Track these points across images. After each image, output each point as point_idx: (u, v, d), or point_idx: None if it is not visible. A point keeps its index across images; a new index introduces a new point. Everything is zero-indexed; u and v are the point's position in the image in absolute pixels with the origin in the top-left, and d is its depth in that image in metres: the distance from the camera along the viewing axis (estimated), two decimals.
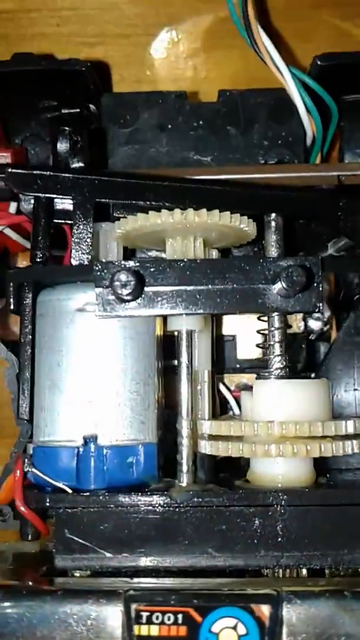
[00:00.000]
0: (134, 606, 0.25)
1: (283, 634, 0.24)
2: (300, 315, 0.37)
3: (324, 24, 0.44)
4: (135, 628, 0.24)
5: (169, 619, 0.24)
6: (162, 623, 0.24)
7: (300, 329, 0.37)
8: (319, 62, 0.36)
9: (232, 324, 0.36)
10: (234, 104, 0.38)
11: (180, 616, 0.24)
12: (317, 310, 0.28)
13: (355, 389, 0.34)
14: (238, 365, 0.37)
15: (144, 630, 0.24)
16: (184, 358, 0.30)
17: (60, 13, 0.45)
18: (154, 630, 0.24)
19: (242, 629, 0.24)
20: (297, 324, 0.37)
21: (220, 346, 0.36)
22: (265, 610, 0.25)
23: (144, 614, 0.24)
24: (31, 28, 0.46)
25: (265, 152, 0.38)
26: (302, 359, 0.37)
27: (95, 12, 0.45)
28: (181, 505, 0.28)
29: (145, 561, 0.28)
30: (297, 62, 0.41)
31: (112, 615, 0.25)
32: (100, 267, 0.28)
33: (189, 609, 0.25)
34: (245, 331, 0.36)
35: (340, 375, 0.34)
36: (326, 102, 0.37)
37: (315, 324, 0.38)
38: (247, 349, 0.36)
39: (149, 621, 0.24)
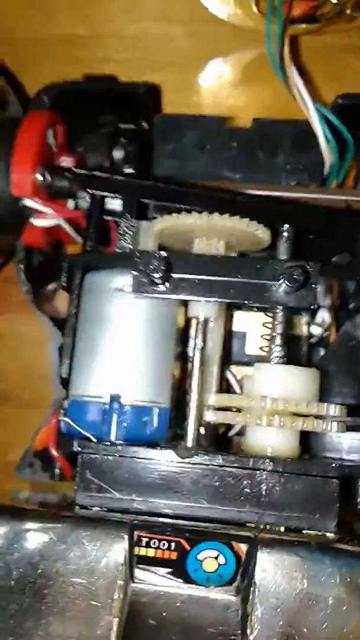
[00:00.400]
0: (136, 532, 0.29)
1: (256, 569, 0.28)
2: (304, 320, 0.41)
3: (351, 66, 0.48)
4: (136, 549, 0.29)
5: (163, 545, 0.29)
6: (158, 548, 0.29)
7: (303, 333, 0.41)
8: (339, 101, 0.40)
9: (243, 322, 0.41)
10: (264, 131, 0.42)
11: (173, 544, 0.29)
12: (312, 307, 0.32)
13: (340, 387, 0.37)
14: (246, 359, 0.40)
15: (142, 551, 0.29)
16: (199, 340, 0.34)
17: (125, 41, 0.50)
18: (151, 553, 0.28)
19: (222, 559, 0.28)
20: (301, 328, 0.41)
21: (231, 340, 0.40)
22: (243, 547, 0.29)
23: (144, 539, 0.29)
24: (100, 52, 0.51)
25: (287, 175, 0.42)
26: (304, 359, 0.41)
27: (155, 43, 0.50)
28: (183, 461, 0.32)
29: (149, 504, 0.32)
30: (324, 98, 0.45)
31: (118, 538, 0.29)
32: (138, 254, 0.33)
33: (180, 539, 0.29)
34: (254, 329, 0.41)
35: (332, 374, 0.38)
36: (344, 136, 0.41)
37: (316, 329, 0.41)
38: (254, 345, 0.40)
39: (148, 545, 0.29)
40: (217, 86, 0.48)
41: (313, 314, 0.41)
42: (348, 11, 0.43)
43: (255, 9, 0.43)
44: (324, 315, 0.41)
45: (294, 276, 0.31)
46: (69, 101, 0.42)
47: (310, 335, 0.41)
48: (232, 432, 0.38)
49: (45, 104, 0.42)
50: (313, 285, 0.32)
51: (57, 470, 0.34)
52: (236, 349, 0.40)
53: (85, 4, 0.51)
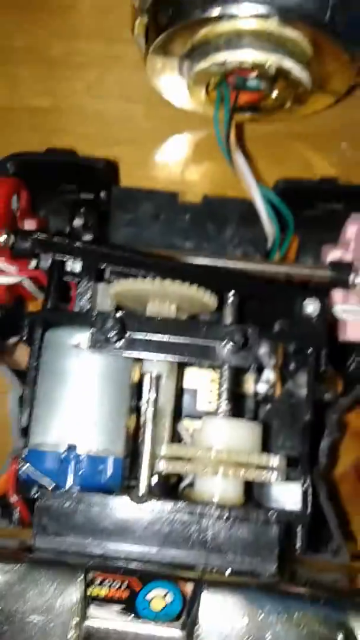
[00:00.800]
0: (90, 574, 0.32)
1: (200, 606, 0.32)
2: (251, 379, 0.46)
3: (294, 150, 0.55)
4: (90, 589, 0.32)
5: (116, 584, 0.32)
6: (111, 587, 0.32)
7: (251, 390, 0.46)
8: (280, 185, 0.47)
9: (195, 379, 0.45)
10: (213, 208, 0.48)
11: (125, 583, 0.32)
12: (251, 366, 0.37)
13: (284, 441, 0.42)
14: (197, 414, 0.44)
15: (96, 590, 0.32)
16: (152, 394, 0.38)
17: (86, 116, 0.56)
18: (104, 592, 0.32)
19: (169, 598, 0.31)
20: (247, 385, 0.46)
21: (182, 396, 0.44)
22: (189, 587, 0.32)
23: (98, 579, 0.32)
24: (61, 124, 0.56)
25: (234, 246, 0.48)
26: (251, 414, 0.45)
27: (116, 120, 0.56)
28: (135, 507, 0.36)
29: (103, 548, 0.35)
30: (270, 179, 0.51)
31: (73, 578, 0.32)
32: (95, 313, 0.37)
33: (132, 578, 0.32)
34: (205, 386, 0.45)
35: (276, 428, 0.42)
36: (284, 214, 0.47)
37: (262, 387, 0.46)
38: (205, 401, 0.45)
39: (101, 584, 0.32)
40: (171, 163, 0.54)
41: (259, 372, 0.46)
42: (287, 104, 0.50)
43: (203, 98, 0.50)
44: (269, 375, 0.46)
45: (235, 338, 0.36)
46: (32, 170, 0.46)
47: (257, 393, 0.46)
48: (184, 483, 0.42)
49: (9, 171, 0.46)
50: (251, 347, 0.37)
51: (15, 516, 0.37)
52: (188, 404, 0.44)
53: (49, 79, 0.57)
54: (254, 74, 0.47)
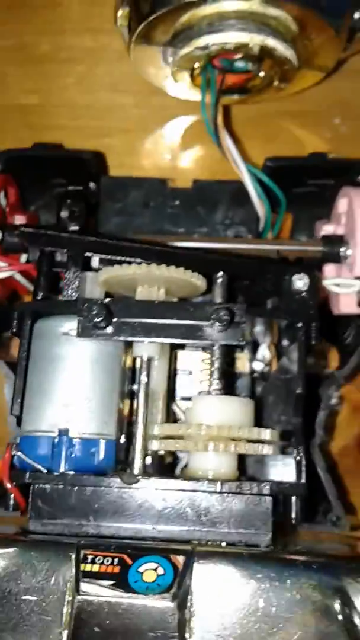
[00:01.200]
0: (82, 551, 0.34)
1: (192, 577, 0.33)
2: (247, 357, 0.48)
3: (283, 129, 0.57)
4: (82, 566, 0.34)
5: (107, 561, 0.34)
6: (102, 563, 0.34)
7: (245, 369, 0.48)
8: (269, 163, 0.48)
9: (188, 361, 0.47)
10: (203, 191, 0.50)
11: (116, 559, 0.34)
12: (240, 342, 0.38)
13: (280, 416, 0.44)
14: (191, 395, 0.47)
15: (88, 567, 0.34)
16: (143, 377, 0.40)
17: (76, 110, 0.59)
18: (96, 568, 0.33)
19: (160, 571, 0.33)
20: (243, 364, 0.48)
21: (176, 377, 0.46)
22: (180, 559, 0.34)
23: (90, 556, 0.34)
24: (53, 120, 0.59)
25: (225, 228, 0.49)
26: (248, 392, 0.47)
27: (105, 111, 0.58)
28: (129, 487, 0.37)
29: (98, 528, 0.37)
30: (261, 159, 0.52)
31: (66, 557, 0.34)
32: (81, 302, 0.39)
33: (123, 555, 0.34)
34: (198, 367, 0.47)
35: (271, 404, 0.44)
36: (276, 193, 0.49)
37: (257, 365, 0.48)
38: (199, 382, 0.46)
39: (92, 561, 0.34)
40: (160, 150, 0.56)
41: (254, 350, 0.47)
42: (275, 83, 0.51)
43: (189, 84, 0.51)
44: (264, 352, 0.47)
45: (222, 316, 0.38)
46: (20, 166, 0.49)
47: (253, 371, 0.47)
48: (182, 463, 0.43)
49: None
50: (239, 324, 0.38)
51: (11, 502, 0.39)
52: (183, 385, 0.46)
53: (38, 75, 0.59)
54: (238, 55, 0.48)
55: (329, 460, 0.47)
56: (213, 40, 0.46)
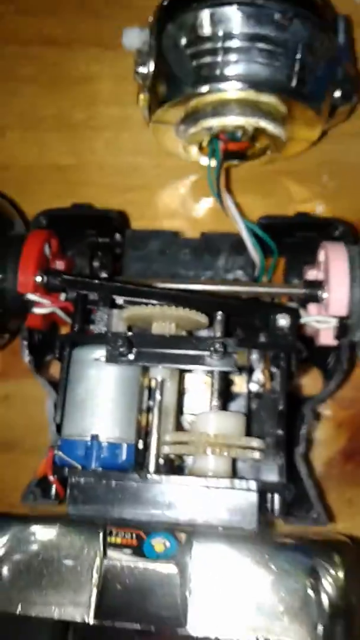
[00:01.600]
0: (108, 528, 0.45)
1: (192, 550, 0.44)
2: (245, 380, 0.58)
3: (280, 186, 0.68)
4: (108, 538, 0.44)
5: (127, 535, 0.44)
6: (124, 537, 0.44)
7: (243, 389, 0.58)
8: (262, 221, 0.59)
9: (194, 383, 0.58)
10: (209, 241, 0.60)
11: (134, 534, 0.44)
12: (232, 369, 0.49)
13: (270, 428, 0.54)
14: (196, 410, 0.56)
15: (113, 539, 0.44)
16: (157, 395, 0.51)
17: (104, 169, 0.69)
18: (118, 540, 0.44)
19: (168, 544, 0.44)
20: (241, 385, 0.58)
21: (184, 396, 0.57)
22: (183, 536, 0.44)
23: (114, 532, 0.45)
24: (84, 177, 0.69)
25: (226, 272, 0.60)
26: (245, 409, 0.57)
27: (128, 171, 0.69)
28: (144, 482, 0.48)
29: (120, 513, 0.47)
30: (259, 212, 0.62)
31: (96, 532, 0.45)
32: (109, 335, 0.50)
33: (139, 531, 0.45)
34: (201, 388, 0.57)
35: (263, 418, 0.54)
36: (269, 244, 0.59)
37: (253, 386, 0.58)
38: (202, 400, 0.56)
39: (116, 535, 0.44)
40: (174, 204, 0.67)
41: (250, 375, 0.58)
42: (269, 152, 0.62)
43: (197, 151, 0.63)
44: (258, 376, 0.58)
45: (217, 348, 0.49)
46: (60, 221, 0.60)
47: (250, 391, 0.58)
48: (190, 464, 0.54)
49: (42, 224, 0.60)
50: (230, 354, 0.49)
51: (53, 492, 0.50)
52: (190, 402, 0.57)
53: (72, 140, 0.71)
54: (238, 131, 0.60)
55: (310, 467, 0.57)
56: (216, 122, 0.57)
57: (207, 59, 0.55)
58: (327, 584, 0.44)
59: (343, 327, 0.54)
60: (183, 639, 0.42)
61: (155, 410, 0.51)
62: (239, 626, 0.42)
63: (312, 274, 0.58)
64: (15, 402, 0.64)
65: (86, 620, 0.43)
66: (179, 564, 0.43)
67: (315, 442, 0.63)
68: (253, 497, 0.47)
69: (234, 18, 0.55)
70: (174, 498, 0.47)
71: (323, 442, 0.63)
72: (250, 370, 0.58)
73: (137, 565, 0.43)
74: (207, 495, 0.47)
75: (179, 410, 0.55)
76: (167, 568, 0.43)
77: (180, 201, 0.67)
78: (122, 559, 0.44)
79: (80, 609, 0.44)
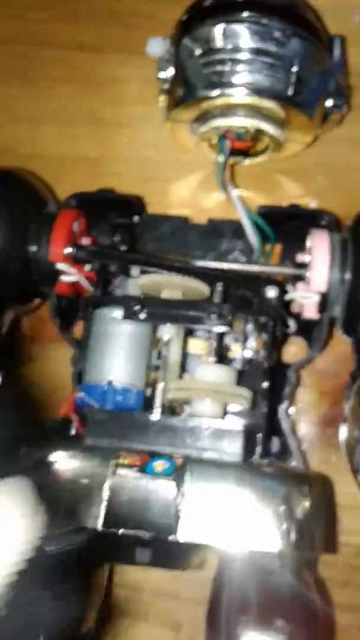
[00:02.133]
0: (119, 452, 0.55)
1: (186, 470, 0.54)
2: (239, 345, 0.68)
3: (278, 183, 0.78)
4: (117, 461, 0.54)
5: (134, 458, 0.54)
6: (131, 459, 0.54)
7: (237, 355, 0.68)
8: (261, 210, 0.69)
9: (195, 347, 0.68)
10: (215, 227, 0.70)
11: (139, 457, 0.54)
12: (227, 330, 0.59)
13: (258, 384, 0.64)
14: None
15: (121, 461, 0.54)
16: (164, 351, 0.61)
17: (127, 162, 0.78)
18: (126, 461, 0.54)
19: (167, 465, 0.54)
20: (236, 351, 0.68)
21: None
22: (180, 460, 0.54)
23: (123, 455, 0.55)
24: (109, 169, 0.79)
25: (228, 254, 0.70)
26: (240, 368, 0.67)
27: (147, 164, 0.79)
28: (152, 419, 0.58)
29: (129, 444, 0.57)
30: (260, 202, 0.73)
31: (108, 456, 0.55)
32: (126, 297, 0.61)
33: (144, 455, 0.55)
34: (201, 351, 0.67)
35: (253, 378, 0.64)
36: (266, 231, 0.69)
37: (247, 353, 0.68)
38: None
39: (125, 458, 0.54)
40: (185, 193, 0.77)
41: (245, 341, 0.68)
42: (269, 151, 0.72)
43: (208, 148, 0.73)
44: (252, 344, 0.68)
45: (214, 311, 0.59)
46: (88, 203, 0.71)
47: (244, 357, 0.68)
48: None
49: (72, 205, 0.70)
50: (224, 316, 0.59)
51: (73, 429, 0.60)
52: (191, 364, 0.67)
53: (100, 135, 0.81)
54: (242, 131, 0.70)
55: (294, 427, 0.67)
56: (223, 122, 0.67)
57: (218, 68, 0.65)
58: (297, 510, 0.54)
59: (324, 302, 0.64)
60: (174, 545, 0.52)
61: (162, 364, 0.61)
62: (220, 535, 0.52)
63: (300, 257, 0.68)
64: (41, 364, 0.74)
65: (96, 527, 0.53)
66: (175, 481, 0.53)
67: (300, 409, 0.72)
68: (240, 434, 0.57)
69: (242, 34, 0.65)
70: (175, 434, 0.57)
71: (307, 409, 0.73)
72: (245, 339, 0.67)
73: (141, 481, 0.53)
74: (202, 433, 0.57)
75: (182, 369, 0.65)
76: (165, 484, 0.53)
77: (191, 191, 0.75)
78: (129, 475, 0.54)
79: (92, 519, 0.53)
